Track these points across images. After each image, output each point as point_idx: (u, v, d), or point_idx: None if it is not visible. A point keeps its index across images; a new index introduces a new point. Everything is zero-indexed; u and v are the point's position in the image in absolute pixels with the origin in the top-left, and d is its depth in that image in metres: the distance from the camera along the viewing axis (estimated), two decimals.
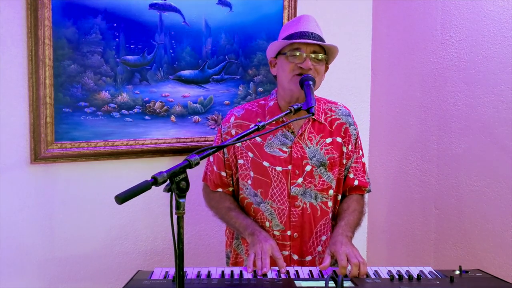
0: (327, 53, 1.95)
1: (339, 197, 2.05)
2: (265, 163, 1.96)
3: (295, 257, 1.96)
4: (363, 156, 2.11)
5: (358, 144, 2.08)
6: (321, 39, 1.92)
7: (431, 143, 2.55)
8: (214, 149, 1.38)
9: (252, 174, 1.98)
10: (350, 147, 2.03)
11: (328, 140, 1.98)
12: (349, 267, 1.76)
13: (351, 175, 2.05)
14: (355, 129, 2.06)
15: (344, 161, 2.02)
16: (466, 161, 2.38)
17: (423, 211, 2.61)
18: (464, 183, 2.39)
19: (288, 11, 2.61)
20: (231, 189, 2.08)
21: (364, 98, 2.92)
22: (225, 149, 2.03)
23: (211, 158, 2.08)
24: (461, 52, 2.38)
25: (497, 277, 1.74)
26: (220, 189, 2.07)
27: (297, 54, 1.89)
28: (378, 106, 2.90)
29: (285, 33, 1.95)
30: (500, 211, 2.22)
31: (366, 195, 2.13)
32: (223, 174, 2.05)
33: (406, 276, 1.69)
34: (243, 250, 2.03)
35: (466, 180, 2.38)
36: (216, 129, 2.54)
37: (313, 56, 1.90)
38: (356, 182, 2.05)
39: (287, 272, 1.78)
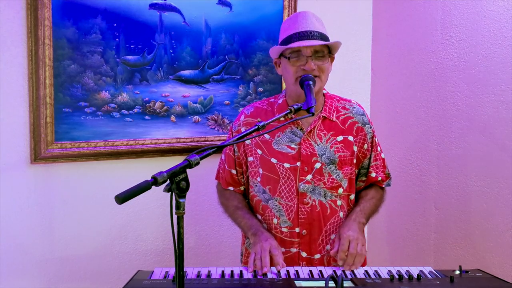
0: (329, 47, 1.91)
1: (352, 197, 2.03)
2: (273, 160, 1.96)
3: (304, 254, 1.96)
4: (382, 152, 2.08)
5: (375, 142, 2.05)
6: (322, 35, 1.88)
7: (431, 143, 2.55)
8: (214, 149, 1.38)
9: (261, 171, 1.98)
10: (366, 146, 2.00)
11: (340, 138, 1.96)
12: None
13: (373, 174, 2.04)
14: (370, 128, 2.02)
15: (355, 161, 1.98)
16: (466, 161, 2.38)
17: (423, 211, 2.61)
18: (464, 183, 2.39)
19: (288, 11, 2.61)
20: (242, 188, 2.08)
21: (364, 98, 2.91)
22: (235, 147, 2.04)
23: (223, 156, 2.09)
24: (461, 52, 2.38)
25: (497, 277, 1.74)
26: (231, 188, 2.07)
27: (298, 57, 1.87)
28: (378, 106, 2.90)
29: (284, 34, 1.92)
30: (500, 211, 2.22)
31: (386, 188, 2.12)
32: (234, 172, 2.06)
33: (406, 276, 1.69)
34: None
35: (466, 180, 2.38)
36: (216, 128, 2.55)
37: (315, 55, 1.87)
38: (379, 179, 2.06)
39: (287, 272, 1.77)
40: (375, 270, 1.77)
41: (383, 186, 2.09)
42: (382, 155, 2.08)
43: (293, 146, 1.95)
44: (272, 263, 1.81)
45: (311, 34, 1.86)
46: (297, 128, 1.96)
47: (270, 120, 1.60)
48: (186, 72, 2.46)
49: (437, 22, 2.49)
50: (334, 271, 1.78)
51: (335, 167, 1.95)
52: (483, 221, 2.30)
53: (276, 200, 1.96)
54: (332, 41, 1.90)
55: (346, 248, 1.81)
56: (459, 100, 2.40)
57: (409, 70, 2.67)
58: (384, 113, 2.85)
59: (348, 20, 2.83)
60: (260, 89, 2.62)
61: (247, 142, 2.00)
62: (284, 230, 1.95)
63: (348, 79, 2.86)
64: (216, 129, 2.55)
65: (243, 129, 1.99)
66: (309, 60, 1.86)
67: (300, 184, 1.93)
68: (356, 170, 2.02)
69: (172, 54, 2.41)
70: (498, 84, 2.21)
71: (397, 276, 1.68)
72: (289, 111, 1.67)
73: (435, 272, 1.75)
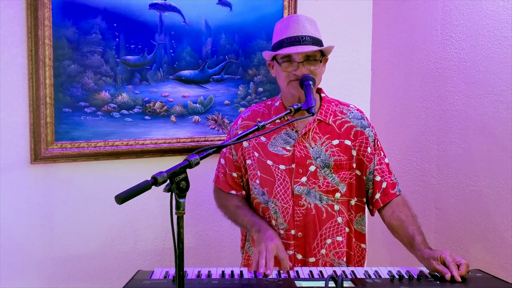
0: (322, 51, 1.90)
1: (352, 202, 1.99)
2: (269, 162, 1.96)
3: (299, 256, 1.95)
4: (386, 157, 2.03)
5: (378, 145, 2.01)
6: (314, 40, 1.87)
7: (431, 143, 2.55)
8: (214, 149, 1.38)
9: (259, 173, 1.98)
10: (369, 150, 1.97)
11: (335, 142, 1.94)
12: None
13: (378, 178, 1.97)
14: (371, 131, 1.99)
15: (354, 165, 1.96)
16: (466, 161, 2.38)
17: (423, 211, 2.60)
18: (464, 183, 2.39)
19: (288, 11, 2.61)
20: (243, 192, 2.07)
21: (364, 98, 2.92)
22: (233, 151, 2.04)
23: (222, 161, 2.09)
24: (461, 52, 2.38)
25: (497, 277, 1.74)
26: (233, 191, 2.07)
27: (290, 62, 1.87)
28: (378, 106, 2.90)
29: (276, 37, 1.91)
30: (500, 211, 2.22)
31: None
32: (234, 175, 2.06)
33: (406, 276, 1.69)
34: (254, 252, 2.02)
35: (466, 180, 2.38)
36: (216, 128, 2.55)
37: (307, 60, 1.87)
38: (384, 185, 1.97)
39: (287, 272, 1.77)
40: (375, 270, 1.77)
41: (397, 194, 1.99)
42: (386, 160, 2.03)
43: (288, 148, 1.94)
44: (278, 265, 1.79)
45: (303, 39, 1.86)
46: (292, 130, 1.95)
47: (270, 120, 1.60)
48: (186, 72, 2.46)
49: (437, 22, 2.49)
50: (334, 271, 1.77)
51: (330, 170, 1.93)
52: (483, 221, 2.30)
53: (272, 202, 1.96)
54: (324, 47, 1.89)
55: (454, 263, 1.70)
56: (459, 100, 2.40)
57: (409, 70, 2.67)
58: (384, 113, 2.85)
59: (348, 20, 2.83)
60: (260, 89, 2.63)
61: (245, 145, 2.01)
62: (281, 232, 1.95)
63: (348, 79, 2.86)
64: (216, 129, 2.55)
65: (240, 132, 1.98)
66: (300, 65, 1.86)
67: (295, 186, 1.92)
68: (364, 177, 1.99)
69: (172, 54, 2.41)
70: (498, 84, 2.21)
71: (397, 276, 1.69)
72: (289, 111, 1.67)
73: (435, 272, 1.75)
